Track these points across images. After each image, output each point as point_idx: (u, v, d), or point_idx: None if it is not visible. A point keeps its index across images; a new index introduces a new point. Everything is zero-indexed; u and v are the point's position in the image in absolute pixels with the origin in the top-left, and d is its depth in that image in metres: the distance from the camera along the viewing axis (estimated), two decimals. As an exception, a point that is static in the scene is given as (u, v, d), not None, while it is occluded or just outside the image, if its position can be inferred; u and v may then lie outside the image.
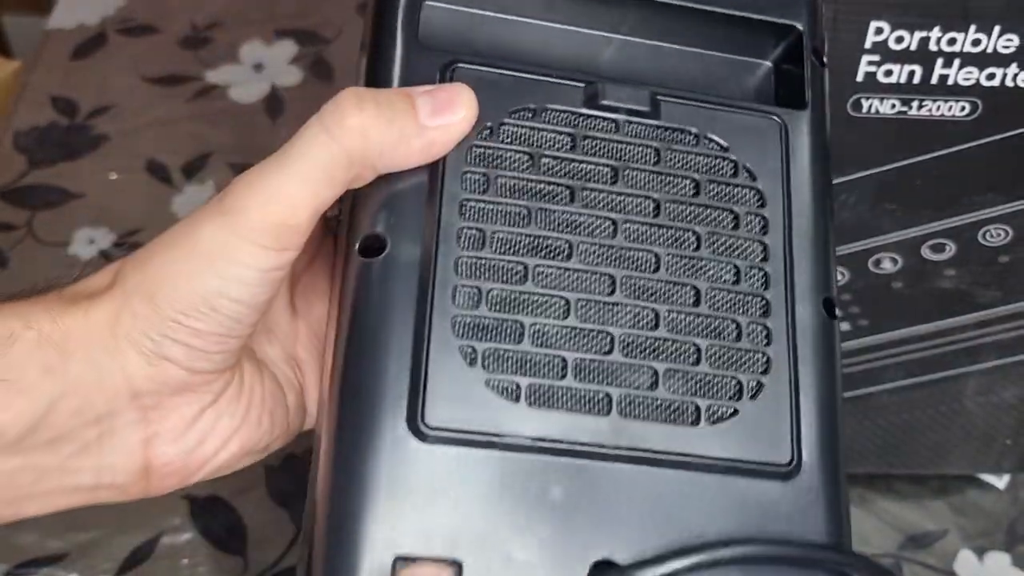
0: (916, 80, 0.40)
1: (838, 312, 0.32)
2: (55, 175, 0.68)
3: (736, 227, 0.32)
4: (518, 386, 0.29)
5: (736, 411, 0.30)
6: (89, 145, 0.70)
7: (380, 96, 0.30)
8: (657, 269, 0.31)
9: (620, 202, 0.31)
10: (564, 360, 0.29)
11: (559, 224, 0.31)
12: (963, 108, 0.41)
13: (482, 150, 0.31)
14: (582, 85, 0.32)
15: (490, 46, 0.33)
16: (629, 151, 0.32)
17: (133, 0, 0.82)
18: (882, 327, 0.48)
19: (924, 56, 0.39)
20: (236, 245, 0.29)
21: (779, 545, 0.29)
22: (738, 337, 0.31)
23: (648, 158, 0.32)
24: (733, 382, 0.30)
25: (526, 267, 0.30)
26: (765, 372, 0.31)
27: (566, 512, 0.28)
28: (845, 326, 0.48)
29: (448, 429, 0.28)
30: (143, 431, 0.31)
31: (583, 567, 0.28)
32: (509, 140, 0.31)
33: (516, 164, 0.31)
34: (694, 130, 0.32)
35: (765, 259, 0.32)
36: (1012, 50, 0.39)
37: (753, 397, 0.30)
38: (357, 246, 0.30)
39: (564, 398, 0.29)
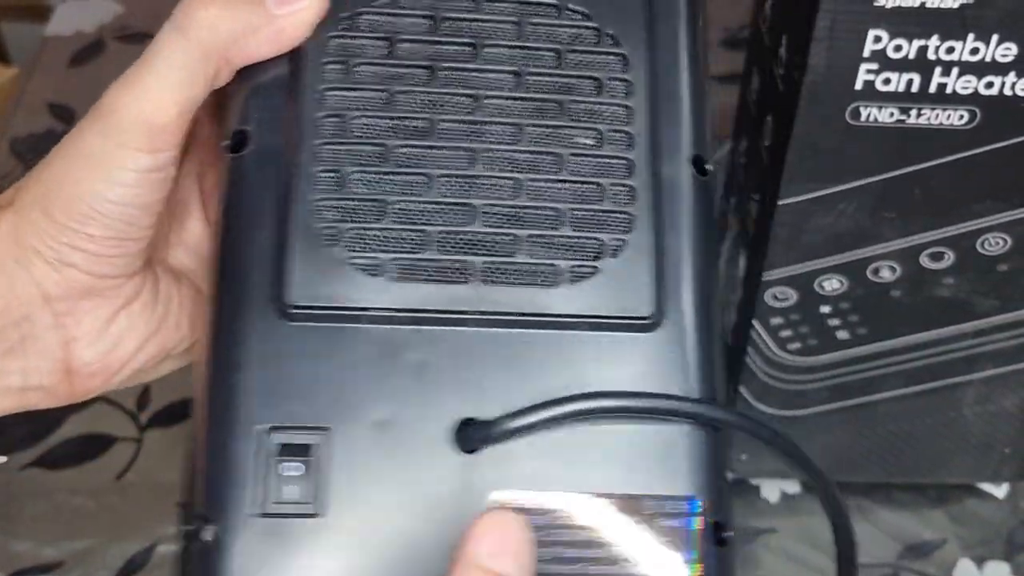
0: (915, 89, 0.40)
1: (709, 168, 0.33)
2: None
3: (599, 92, 0.32)
4: (379, 262, 0.30)
5: (597, 269, 0.31)
6: (86, 152, 0.70)
7: None
8: (518, 140, 0.32)
9: (479, 78, 0.32)
10: (425, 234, 0.30)
11: (418, 105, 0.31)
12: (962, 117, 0.41)
13: (340, 41, 0.32)
14: None
15: None
16: (488, 28, 0.32)
17: (131, 8, 0.82)
18: (881, 336, 0.47)
19: (922, 65, 0.39)
20: (110, 149, 0.30)
21: (637, 398, 0.30)
22: (600, 199, 0.31)
23: (508, 33, 0.32)
24: (594, 242, 0.31)
25: (386, 148, 0.31)
26: (627, 231, 0.31)
27: (431, 376, 0.30)
28: (844, 334, 0.48)
29: (312, 307, 0.30)
30: (61, 335, 0.32)
31: (449, 426, 0.29)
32: (366, 29, 0.32)
33: (374, 52, 0.32)
34: (554, 1, 0.33)
35: (628, 121, 0.32)
36: (1010, 59, 0.39)
37: (614, 255, 0.31)
38: (226, 144, 0.31)
39: (426, 270, 0.30)
